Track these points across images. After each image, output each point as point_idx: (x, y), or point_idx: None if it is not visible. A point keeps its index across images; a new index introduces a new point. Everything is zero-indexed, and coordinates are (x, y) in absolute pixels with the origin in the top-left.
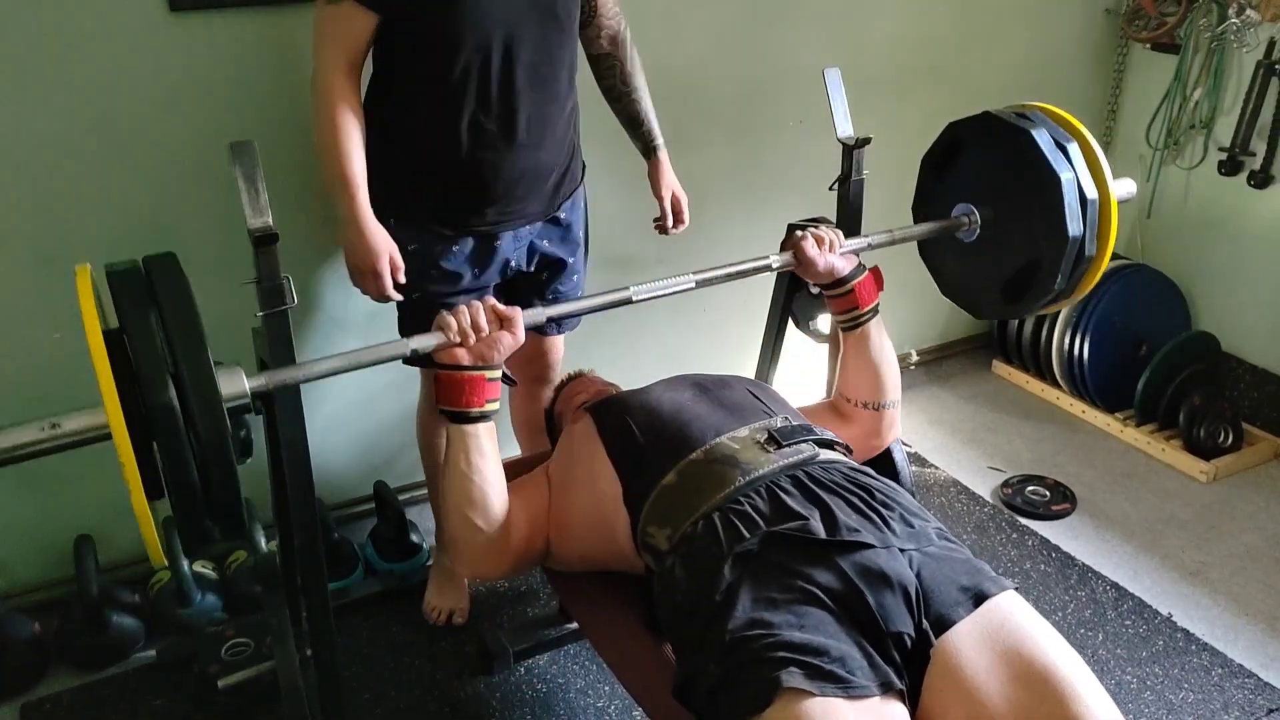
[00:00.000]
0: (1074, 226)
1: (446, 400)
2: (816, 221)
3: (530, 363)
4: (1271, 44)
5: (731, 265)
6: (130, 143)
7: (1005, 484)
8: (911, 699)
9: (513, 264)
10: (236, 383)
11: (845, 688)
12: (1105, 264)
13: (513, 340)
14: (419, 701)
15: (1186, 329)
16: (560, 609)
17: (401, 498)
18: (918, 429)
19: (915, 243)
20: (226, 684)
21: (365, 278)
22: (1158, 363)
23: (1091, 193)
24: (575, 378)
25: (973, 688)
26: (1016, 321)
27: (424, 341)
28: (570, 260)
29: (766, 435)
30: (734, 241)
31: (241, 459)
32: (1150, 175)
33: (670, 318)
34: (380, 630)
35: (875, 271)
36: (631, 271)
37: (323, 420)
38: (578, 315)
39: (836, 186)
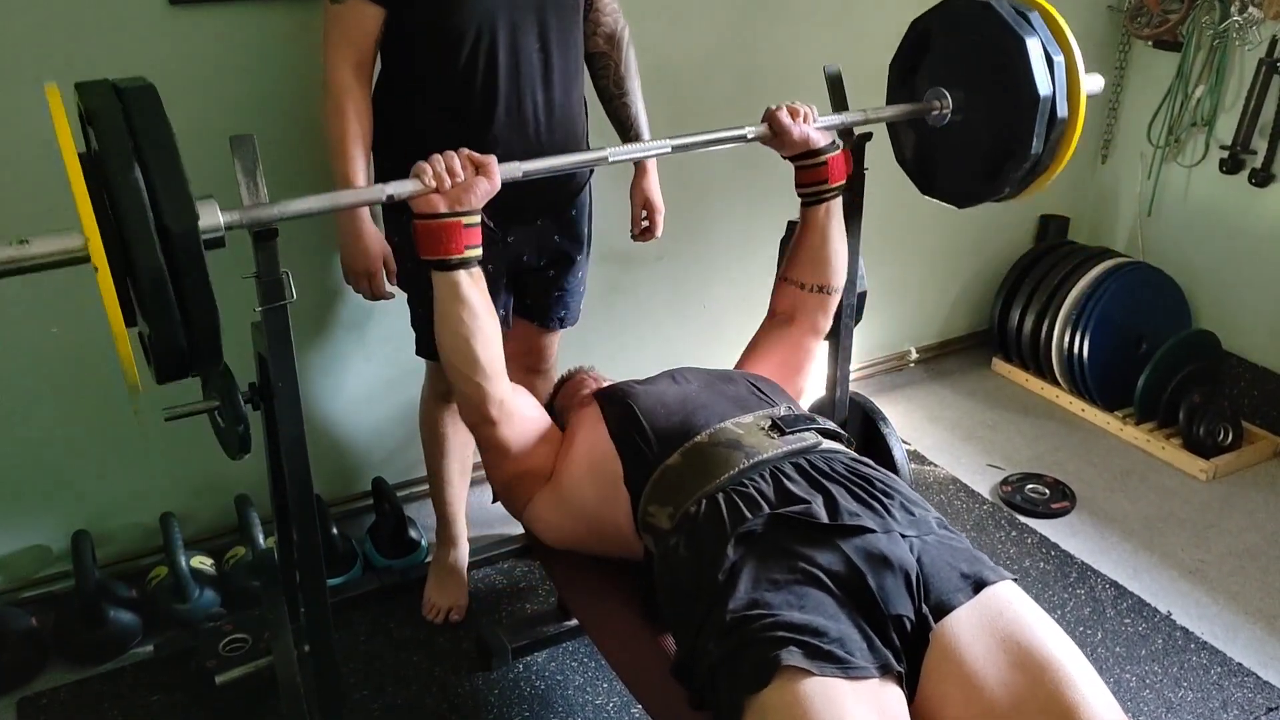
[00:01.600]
0: (1043, 85)
1: (427, 249)
2: None
3: (525, 355)
4: (1274, 42)
5: (708, 133)
6: None
7: (1005, 482)
8: (910, 683)
9: (525, 259)
10: (211, 214)
11: (844, 668)
12: (1079, 128)
13: (488, 186)
14: (417, 698)
15: (1187, 327)
16: (559, 605)
17: (400, 494)
18: (917, 426)
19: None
20: (224, 679)
21: (359, 279)
22: (1158, 361)
23: (1057, 55)
24: (576, 374)
25: (971, 672)
26: (1016, 319)
27: (401, 187)
28: (577, 257)
29: (770, 422)
30: (734, 236)
31: (240, 454)
32: (1151, 173)
33: (670, 314)
34: (379, 626)
35: (847, 153)
36: (632, 267)
37: (322, 416)
38: (553, 173)
39: None
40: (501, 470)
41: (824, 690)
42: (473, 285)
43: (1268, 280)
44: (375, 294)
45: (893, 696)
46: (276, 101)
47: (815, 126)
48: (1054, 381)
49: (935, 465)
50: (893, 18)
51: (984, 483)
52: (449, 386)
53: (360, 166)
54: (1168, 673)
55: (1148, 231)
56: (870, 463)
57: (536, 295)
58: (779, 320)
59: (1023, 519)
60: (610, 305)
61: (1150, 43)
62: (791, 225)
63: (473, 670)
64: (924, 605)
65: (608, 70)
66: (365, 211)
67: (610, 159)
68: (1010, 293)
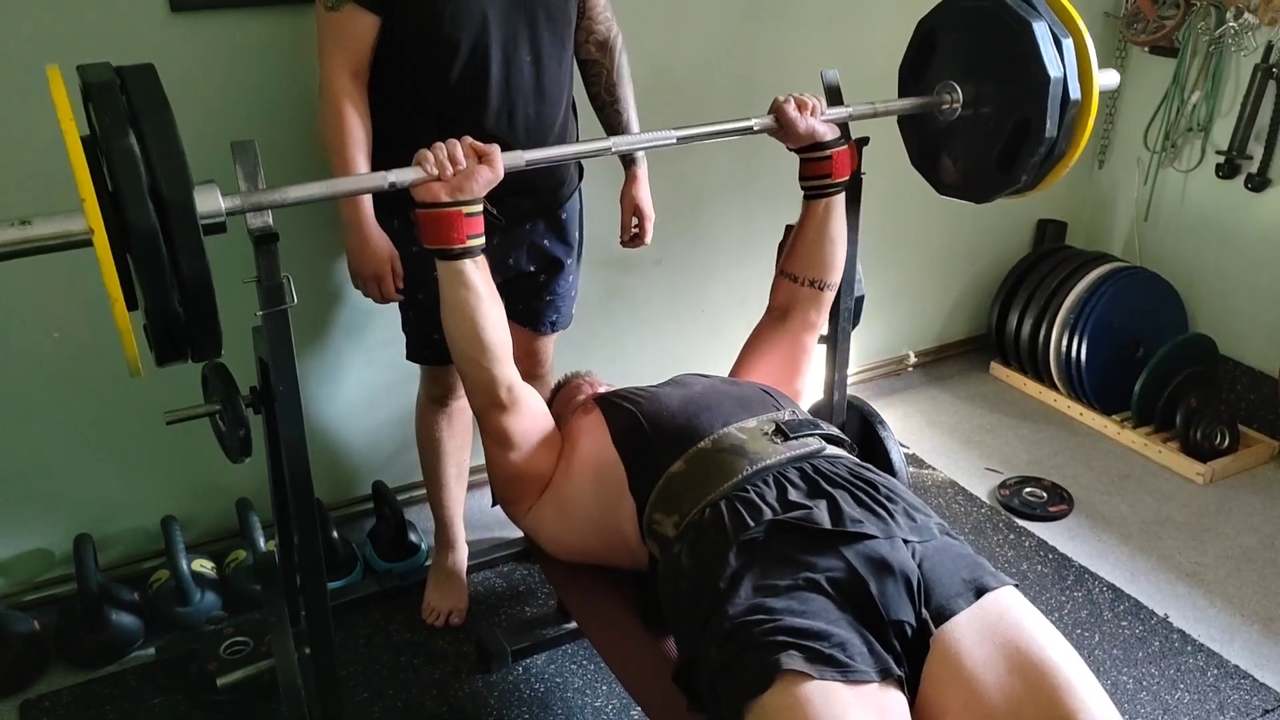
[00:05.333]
0: (1053, 67)
1: (430, 238)
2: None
3: (519, 360)
4: (1269, 47)
5: (713, 124)
6: None
7: (1003, 485)
8: (911, 687)
9: (511, 262)
10: (212, 200)
11: (844, 672)
12: (1093, 111)
13: (491, 175)
14: (417, 700)
15: (1183, 331)
16: (558, 608)
17: (400, 498)
18: (915, 430)
19: (904, 133)
20: (225, 682)
21: (368, 283)
22: (1155, 365)
23: (1065, 36)
24: (572, 379)
25: (971, 677)
26: (1014, 323)
27: (402, 175)
28: (567, 261)
29: (774, 427)
30: (732, 239)
31: (241, 458)
32: (1148, 178)
33: (668, 318)
34: (379, 629)
35: (853, 145)
36: (630, 271)
37: (322, 420)
38: (558, 162)
39: None
40: (505, 463)
41: (824, 694)
42: (477, 271)
43: (1264, 284)
44: (384, 297)
45: (893, 701)
46: (278, 107)
47: (822, 119)
48: (1052, 385)
49: (933, 469)
50: (891, 23)
51: (982, 486)
52: (443, 390)
53: (363, 169)
54: (1165, 675)
55: (1145, 236)
56: (873, 468)
57: (527, 300)
58: (775, 316)
59: (1021, 522)
60: (608, 309)
61: (1146, 49)
62: (789, 229)
63: (472, 673)
64: (925, 610)
65: (599, 77)
66: (371, 216)
67: (614, 149)
68: (1008, 297)
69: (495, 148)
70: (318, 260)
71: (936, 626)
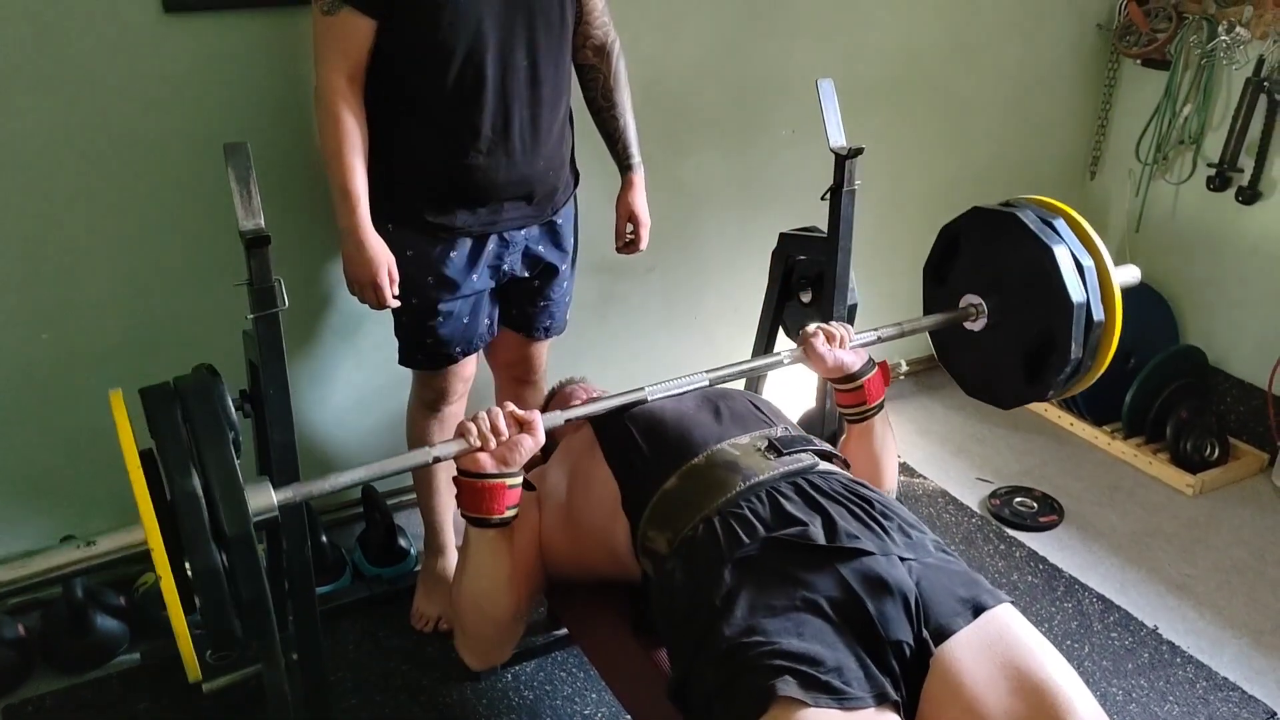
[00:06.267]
0: (1076, 293)
1: (469, 506)
2: (827, 321)
3: (513, 365)
4: (1260, 61)
5: (744, 363)
6: (122, 144)
7: (993, 495)
8: (909, 708)
9: (505, 268)
10: (264, 497)
11: (840, 698)
12: (1118, 328)
13: (533, 443)
14: (405, 707)
15: (1174, 343)
16: (549, 615)
17: (390, 502)
18: (906, 439)
19: (932, 345)
20: (211, 688)
21: (365, 289)
22: (1145, 376)
23: (1086, 259)
24: (566, 385)
25: (972, 697)
26: None
27: (447, 449)
28: (561, 267)
29: (767, 443)
30: (725, 248)
31: None
32: (1139, 190)
33: (661, 324)
34: (367, 635)
35: (883, 367)
36: (624, 278)
37: (312, 424)
38: (594, 415)
39: (828, 196)
40: (518, 633)
41: None
42: (506, 540)
43: (1254, 297)
44: (381, 304)
45: None
46: (272, 109)
47: (851, 346)
48: None
49: (925, 478)
50: (886, 31)
51: (973, 496)
52: (435, 395)
53: (359, 175)
54: (1154, 687)
55: (1136, 247)
56: (867, 484)
57: (522, 305)
58: None
59: (1011, 532)
60: (602, 316)
61: (1139, 61)
62: (783, 237)
63: (461, 680)
64: (924, 630)
65: (596, 82)
66: (369, 223)
67: (649, 398)
68: None
69: (536, 414)
70: (309, 261)
71: (936, 646)
